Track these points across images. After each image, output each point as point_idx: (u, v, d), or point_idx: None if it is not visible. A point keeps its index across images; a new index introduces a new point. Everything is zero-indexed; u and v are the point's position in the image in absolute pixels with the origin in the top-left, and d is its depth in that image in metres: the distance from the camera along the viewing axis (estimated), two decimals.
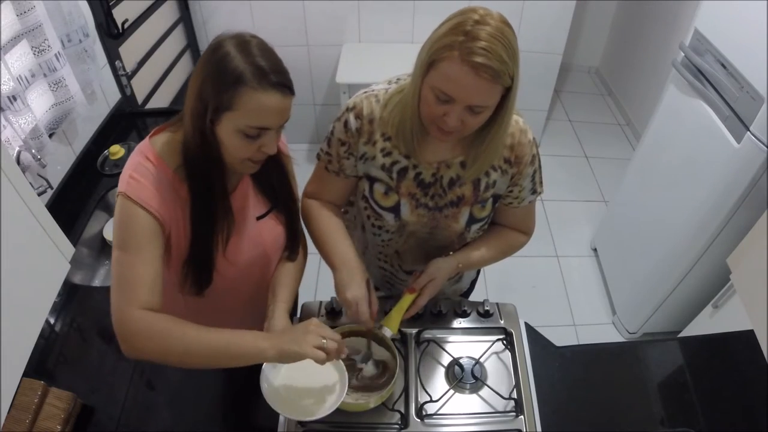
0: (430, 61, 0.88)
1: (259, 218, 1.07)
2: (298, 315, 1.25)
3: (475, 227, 1.15)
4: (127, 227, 0.90)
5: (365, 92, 1.08)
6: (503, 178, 1.10)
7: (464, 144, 1.05)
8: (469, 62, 0.83)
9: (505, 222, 1.21)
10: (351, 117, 1.06)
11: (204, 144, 0.89)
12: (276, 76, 0.85)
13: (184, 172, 0.93)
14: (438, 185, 1.10)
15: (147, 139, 0.96)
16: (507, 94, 0.91)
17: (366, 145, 1.08)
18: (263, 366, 0.98)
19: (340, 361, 1.00)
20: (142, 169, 0.91)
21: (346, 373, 0.99)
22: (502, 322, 1.24)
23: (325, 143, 1.13)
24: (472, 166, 1.05)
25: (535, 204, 1.19)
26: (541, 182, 1.14)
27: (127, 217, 0.90)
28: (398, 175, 1.09)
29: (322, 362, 0.88)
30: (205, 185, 0.94)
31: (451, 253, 1.17)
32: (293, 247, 1.14)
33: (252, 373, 0.96)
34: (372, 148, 1.08)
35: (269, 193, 1.08)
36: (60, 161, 1.65)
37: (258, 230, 1.08)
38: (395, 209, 1.12)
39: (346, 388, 0.97)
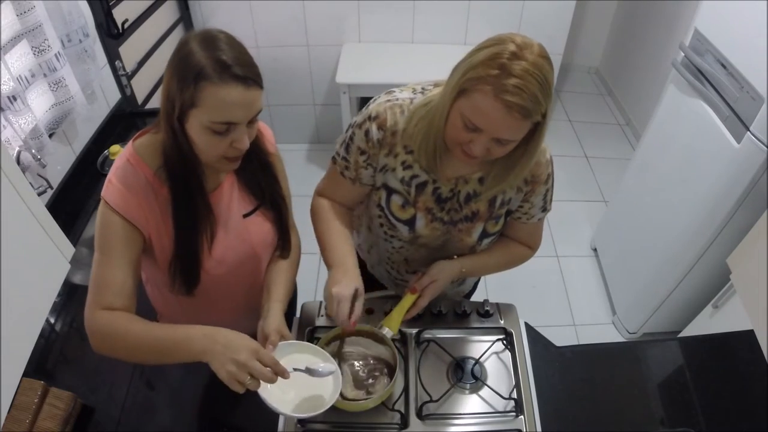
0: (462, 88, 0.87)
1: (245, 216, 1.07)
2: (298, 314, 1.25)
3: (486, 241, 1.15)
4: (103, 231, 0.93)
5: (389, 101, 1.04)
6: (518, 195, 1.10)
7: (484, 161, 1.02)
8: (502, 100, 0.82)
9: (512, 235, 1.21)
10: (373, 127, 1.03)
11: (176, 143, 0.90)
12: (239, 69, 0.83)
13: (164, 173, 0.93)
14: (455, 200, 1.09)
15: (131, 142, 0.96)
16: (537, 127, 0.90)
17: (387, 157, 1.06)
18: None
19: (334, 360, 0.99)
20: (120, 173, 0.93)
21: (340, 371, 0.98)
22: (502, 322, 1.24)
23: (342, 148, 1.10)
24: (492, 188, 1.05)
25: (544, 221, 1.19)
26: (551, 200, 1.14)
27: (103, 221, 0.93)
28: (417, 190, 1.08)
29: (238, 392, 0.83)
30: (183, 185, 0.94)
31: (455, 256, 1.17)
32: (284, 245, 1.14)
33: None
34: (393, 160, 1.06)
35: (255, 191, 1.07)
36: (60, 161, 1.65)
37: (245, 228, 1.07)
38: (410, 222, 1.12)
39: (340, 385, 0.96)
